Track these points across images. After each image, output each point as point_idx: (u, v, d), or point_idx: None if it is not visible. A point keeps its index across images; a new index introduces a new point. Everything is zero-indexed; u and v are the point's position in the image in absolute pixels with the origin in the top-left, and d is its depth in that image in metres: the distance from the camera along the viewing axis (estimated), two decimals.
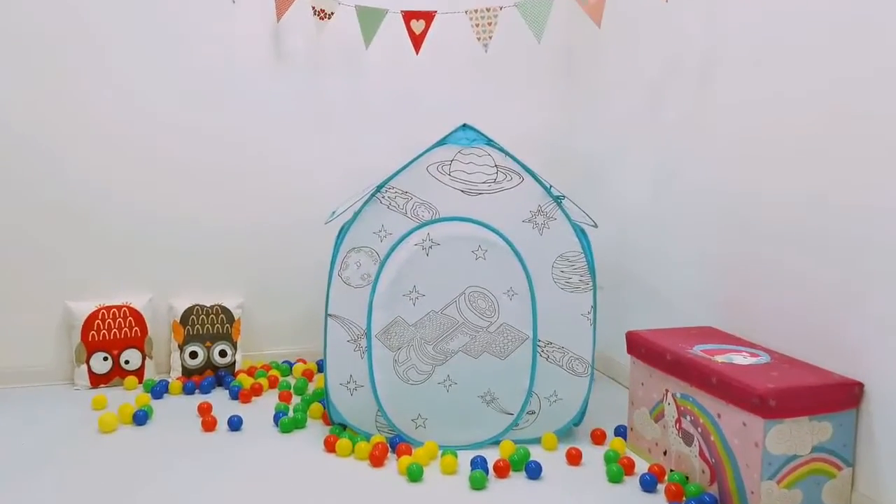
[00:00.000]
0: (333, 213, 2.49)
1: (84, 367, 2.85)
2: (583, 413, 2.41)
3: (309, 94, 3.06)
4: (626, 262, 2.94)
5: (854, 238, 1.90)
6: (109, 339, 2.87)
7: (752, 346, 2.17)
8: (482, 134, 2.35)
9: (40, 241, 2.86)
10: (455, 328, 2.33)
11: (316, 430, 2.48)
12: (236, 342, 3.00)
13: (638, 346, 2.28)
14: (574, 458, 2.23)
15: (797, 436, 1.82)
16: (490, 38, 2.57)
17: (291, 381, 2.97)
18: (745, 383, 1.83)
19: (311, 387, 2.89)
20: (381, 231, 2.33)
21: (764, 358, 2.04)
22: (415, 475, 2.10)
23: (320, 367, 3.06)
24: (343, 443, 2.27)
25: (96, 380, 2.86)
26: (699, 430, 2.02)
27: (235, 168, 3.03)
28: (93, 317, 2.86)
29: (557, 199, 2.35)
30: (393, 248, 2.32)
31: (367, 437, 2.35)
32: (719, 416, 1.94)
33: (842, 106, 1.93)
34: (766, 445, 1.80)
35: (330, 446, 2.30)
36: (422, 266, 2.32)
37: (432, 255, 2.32)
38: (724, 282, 2.39)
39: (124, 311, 2.90)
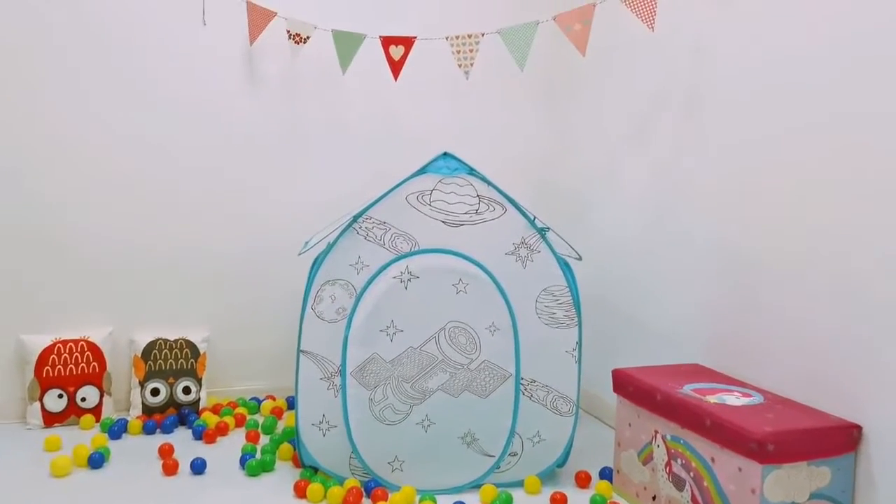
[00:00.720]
0: (307, 243, 2.38)
1: (37, 404, 2.67)
2: (567, 454, 2.31)
3: (283, 119, 2.95)
4: (611, 296, 2.86)
5: (851, 278, 1.84)
6: (65, 375, 2.70)
7: (743, 385, 2.09)
8: (464, 163, 2.27)
9: None
10: (434, 365, 2.22)
11: (285, 473, 2.34)
12: (201, 378, 2.85)
13: (625, 384, 2.19)
14: (559, 502, 2.12)
15: (795, 482, 1.73)
16: (471, 65, 2.50)
17: (259, 419, 2.82)
18: (741, 426, 1.75)
19: (281, 425, 2.75)
20: (357, 263, 2.23)
21: (757, 398, 1.96)
22: None
23: (290, 403, 2.92)
24: (315, 487, 2.14)
25: (50, 419, 2.69)
26: (691, 474, 1.93)
27: (203, 195, 2.91)
28: (48, 351, 2.69)
29: (541, 231, 2.27)
30: (370, 281, 2.21)
31: (341, 482, 2.21)
32: (713, 459, 1.85)
33: (839, 142, 1.87)
34: (765, 493, 1.71)
35: (300, 491, 2.16)
36: (400, 300, 2.21)
37: (411, 288, 2.22)
38: (713, 319, 2.32)
39: (82, 345, 2.74)
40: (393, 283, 2.21)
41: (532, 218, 2.28)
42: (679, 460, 1.97)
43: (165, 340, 2.82)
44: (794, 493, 1.73)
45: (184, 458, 2.38)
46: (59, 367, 2.70)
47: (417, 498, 2.13)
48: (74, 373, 2.71)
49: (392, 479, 2.21)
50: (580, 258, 2.37)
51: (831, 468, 1.77)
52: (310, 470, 2.28)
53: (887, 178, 1.74)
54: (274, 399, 2.97)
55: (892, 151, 1.73)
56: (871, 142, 1.78)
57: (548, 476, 2.30)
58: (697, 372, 2.22)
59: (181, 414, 2.77)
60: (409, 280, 2.22)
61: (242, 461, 2.37)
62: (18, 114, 2.68)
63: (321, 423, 2.23)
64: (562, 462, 2.32)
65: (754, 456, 1.71)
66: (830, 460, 1.77)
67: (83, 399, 2.73)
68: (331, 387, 2.23)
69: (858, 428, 1.78)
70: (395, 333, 2.22)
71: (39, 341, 2.70)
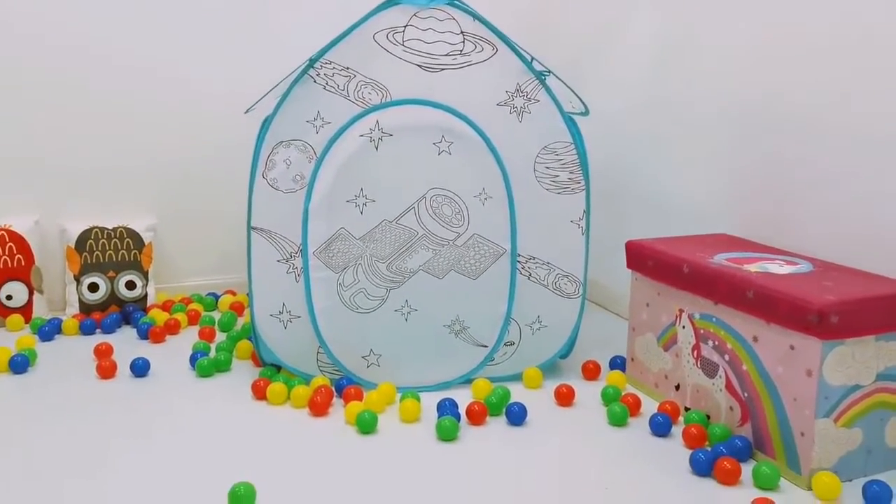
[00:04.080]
0: (251, 105, 1.95)
1: None
2: (572, 343, 1.98)
3: None
4: (618, 163, 2.46)
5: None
6: None
7: (784, 252, 1.74)
8: None
9: None
10: (414, 241, 1.85)
11: (243, 373, 2.00)
12: (147, 272, 2.47)
13: (642, 258, 1.84)
14: (564, 397, 1.80)
15: (861, 361, 1.41)
16: None
17: (216, 316, 2.47)
18: (796, 296, 1.41)
19: (241, 322, 2.40)
20: (316, 119, 1.82)
21: (805, 266, 1.62)
22: (367, 425, 1.65)
23: None
24: (276, 388, 1.80)
25: None
26: (726, 357, 1.60)
27: (143, 70, 2.46)
28: None
29: (541, 76, 1.87)
30: (332, 141, 1.81)
31: (307, 380, 1.88)
32: (755, 339, 1.52)
33: None
34: (824, 374, 1.38)
35: (260, 392, 1.83)
36: (370, 163, 1.82)
37: (383, 149, 1.82)
38: (739, 184, 1.97)
39: (2, 235, 2.34)
40: (361, 143, 1.82)
41: (529, 59, 1.87)
42: (711, 342, 1.64)
43: (103, 229, 2.43)
44: (859, 375, 1.41)
45: (124, 360, 2.02)
46: None
47: (398, 396, 1.80)
48: None
49: (367, 375, 1.88)
50: (587, 112, 1.97)
51: None
52: (271, 369, 1.95)
53: None
54: (234, 294, 2.62)
55: None
56: None
57: (549, 368, 1.98)
58: (728, 242, 1.87)
59: (125, 312, 2.40)
60: (381, 139, 1.82)
61: (192, 360, 2.02)
62: None
63: (281, 313, 1.88)
64: (566, 352, 1.99)
65: (813, 331, 1.38)
66: None
67: (8, 297, 2.35)
68: (291, 270, 1.86)
69: None
70: (365, 204, 1.83)
71: None
